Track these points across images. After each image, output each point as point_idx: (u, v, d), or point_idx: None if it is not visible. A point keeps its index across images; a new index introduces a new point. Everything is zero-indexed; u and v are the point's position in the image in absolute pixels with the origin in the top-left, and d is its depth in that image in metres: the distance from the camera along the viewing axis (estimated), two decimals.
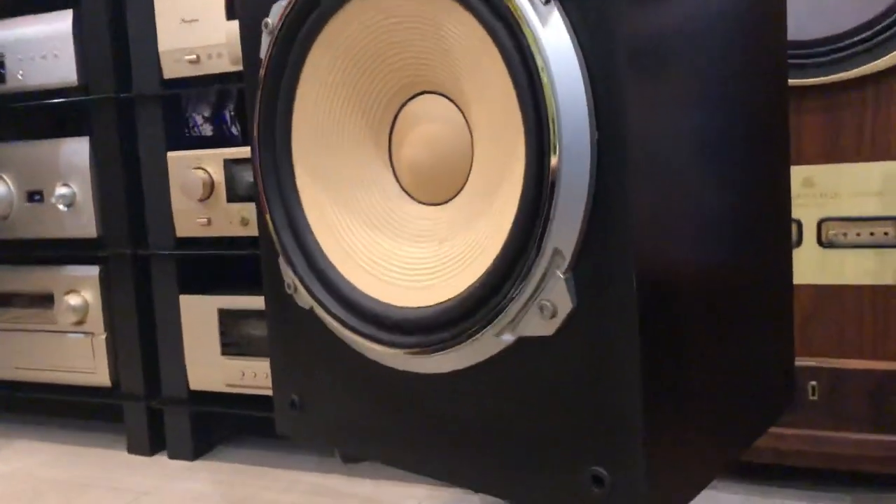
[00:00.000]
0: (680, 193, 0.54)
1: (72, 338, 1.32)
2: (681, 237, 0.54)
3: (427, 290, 0.56)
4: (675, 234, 0.53)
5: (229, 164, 1.19)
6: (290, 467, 1.21)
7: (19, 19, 1.32)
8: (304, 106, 0.65)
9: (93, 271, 1.30)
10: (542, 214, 0.48)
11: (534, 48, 0.47)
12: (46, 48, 1.29)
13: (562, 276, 0.48)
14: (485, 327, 0.52)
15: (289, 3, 0.62)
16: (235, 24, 1.16)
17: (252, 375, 1.19)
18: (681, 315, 0.54)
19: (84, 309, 1.31)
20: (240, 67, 1.16)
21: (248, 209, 1.18)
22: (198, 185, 1.19)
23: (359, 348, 0.63)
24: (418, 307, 0.56)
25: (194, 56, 1.19)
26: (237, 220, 1.18)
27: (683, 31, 0.55)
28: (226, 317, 1.20)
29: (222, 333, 1.21)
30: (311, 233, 0.65)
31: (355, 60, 0.62)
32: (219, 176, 1.19)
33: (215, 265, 1.29)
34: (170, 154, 1.23)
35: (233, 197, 1.19)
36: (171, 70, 1.22)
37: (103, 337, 1.30)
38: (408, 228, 0.61)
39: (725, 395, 0.62)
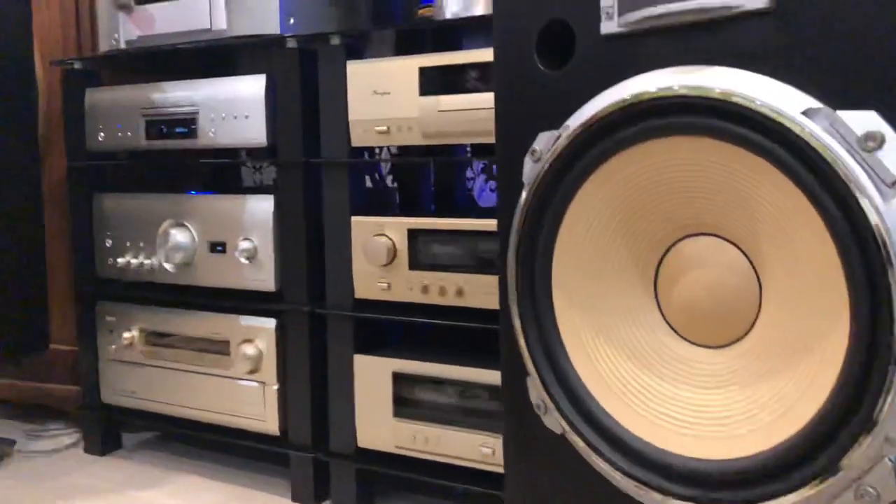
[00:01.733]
0: None
1: (245, 385, 1.39)
2: None
3: (716, 440, 0.57)
4: None
5: (413, 233, 1.22)
6: None
7: (215, 80, 1.40)
8: (569, 232, 0.66)
9: (269, 323, 1.36)
10: (871, 390, 0.48)
11: (882, 235, 0.47)
12: (238, 109, 1.37)
13: (891, 462, 0.48)
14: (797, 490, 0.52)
15: (568, 138, 0.64)
16: (428, 99, 1.20)
17: (424, 440, 1.22)
18: None
19: (258, 358, 1.37)
20: (430, 141, 1.20)
21: (429, 278, 1.21)
22: (381, 252, 1.23)
23: (615, 483, 0.64)
24: (713, 459, 0.56)
25: (384, 127, 1.24)
26: (418, 287, 1.22)
27: None
28: (400, 380, 1.24)
29: (396, 396, 1.24)
30: (567, 357, 0.66)
31: (628, 197, 0.63)
32: (401, 244, 1.23)
33: (391, 328, 1.33)
34: (354, 218, 1.27)
35: (414, 265, 1.22)
36: (359, 138, 1.27)
37: (275, 387, 1.36)
38: (678, 368, 0.62)
39: None
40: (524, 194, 0.69)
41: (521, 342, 0.69)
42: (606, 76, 0.64)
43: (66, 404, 1.71)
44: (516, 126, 0.71)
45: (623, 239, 0.64)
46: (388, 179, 1.62)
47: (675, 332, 0.63)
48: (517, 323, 0.70)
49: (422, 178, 1.59)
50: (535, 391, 0.69)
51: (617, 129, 0.61)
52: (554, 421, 0.68)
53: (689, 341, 0.62)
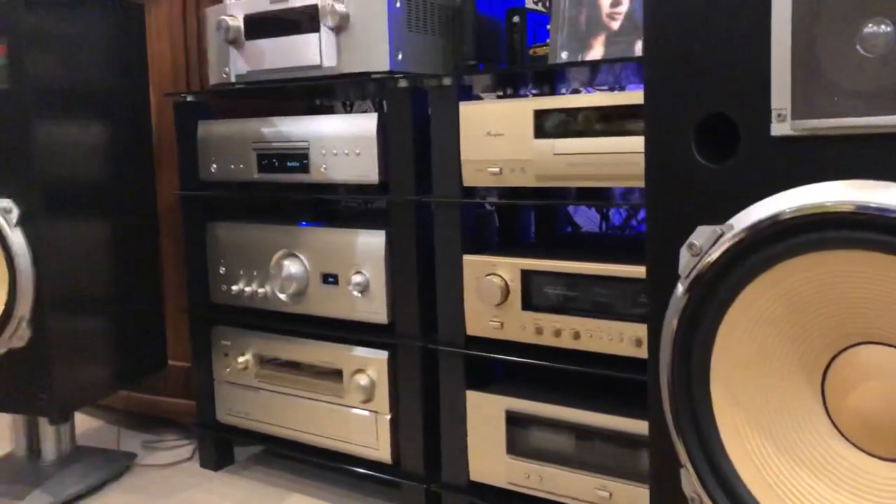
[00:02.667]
0: None
1: (357, 413, 1.43)
2: None
3: None
4: None
5: (526, 273, 1.23)
6: None
7: (326, 116, 1.43)
8: (730, 329, 0.66)
9: (381, 355, 1.40)
10: None
11: None
12: (350, 146, 1.40)
13: None
14: None
15: (736, 237, 0.64)
16: (543, 142, 1.20)
17: (538, 479, 1.24)
18: None
19: (371, 389, 1.41)
20: (543, 184, 1.21)
21: (544, 319, 1.22)
22: (494, 292, 1.25)
23: None
24: None
25: (497, 168, 1.25)
26: (531, 328, 1.23)
27: None
28: (514, 418, 1.26)
29: (509, 433, 1.26)
30: (725, 452, 0.67)
31: (795, 301, 0.63)
32: (514, 284, 1.24)
33: (504, 365, 1.35)
34: (465, 257, 1.29)
35: (527, 306, 1.23)
36: (471, 178, 1.28)
37: (388, 417, 1.40)
38: (847, 476, 0.62)
39: None
40: (680, 287, 0.69)
41: (674, 433, 0.70)
42: (775, 178, 0.64)
43: (181, 417, 1.80)
44: (668, 215, 0.71)
45: (788, 341, 0.64)
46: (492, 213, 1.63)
47: (846, 438, 0.63)
48: (670, 412, 0.70)
49: (523, 212, 1.60)
50: (689, 483, 0.69)
51: (791, 236, 0.61)
52: None
53: (862, 450, 0.62)
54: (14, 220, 1.36)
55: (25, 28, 1.34)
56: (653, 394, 0.73)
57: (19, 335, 1.38)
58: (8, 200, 1.37)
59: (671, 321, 0.70)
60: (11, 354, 1.40)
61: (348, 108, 1.96)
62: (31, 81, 1.35)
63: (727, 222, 0.66)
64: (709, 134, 0.69)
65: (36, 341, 1.39)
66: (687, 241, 0.69)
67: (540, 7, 1.73)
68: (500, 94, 1.55)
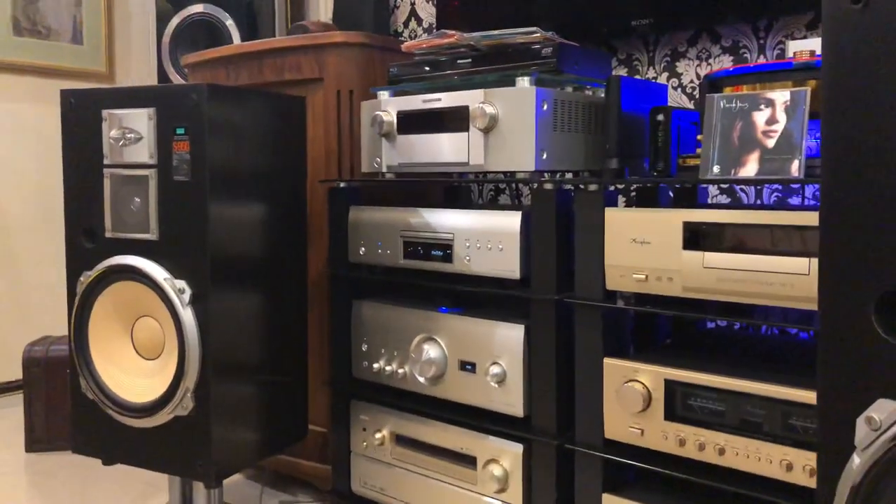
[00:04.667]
0: None
1: (490, 502, 1.46)
2: None
3: None
4: None
5: (670, 383, 1.23)
6: None
7: (472, 211, 1.49)
8: None
9: (516, 448, 1.42)
10: None
11: None
12: (494, 240, 1.44)
13: None
14: None
15: None
16: (692, 254, 1.20)
17: None
18: None
19: (505, 479, 1.43)
20: (690, 295, 1.20)
21: (687, 431, 1.20)
22: (637, 400, 1.25)
23: None
24: None
25: (643, 276, 1.25)
26: (674, 439, 1.22)
27: None
28: None
29: None
30: None
31: None
32: (657, 392, 1.24)
33: (641, 471, 1.34)
34: (606, 360, 1.30)
35: (670, 416, 1.23)
36: (614, 282, 1.29)
37: None
38: None
39: None
40: (857, 459, 0.68)
41: None
42: None
43: (316, 481, 1.88)
44: (846, 385, 0.70)
45: None
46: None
47: None
48: None
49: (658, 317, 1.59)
50: None
51: None
52: None
53: None
54: (187, 300, 1.50)
55: (207, 126, 1.48)
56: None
57: (184, 405, 1.51)
58: (182, 282, 1.50)
59: (843, 492, 0.69)
60: (175, 421, 1.53)
61: (483, 194, 2.02)
62: (208, 173, 1.49)
63: None
64: (893, 306, 0.68)
65: (198, 411, 1.51)
66: (864, 415, 0.68)
67: (685, 103, 1.73)
68: (636, 188, 1.56)
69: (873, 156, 0.69)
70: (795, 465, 1.09)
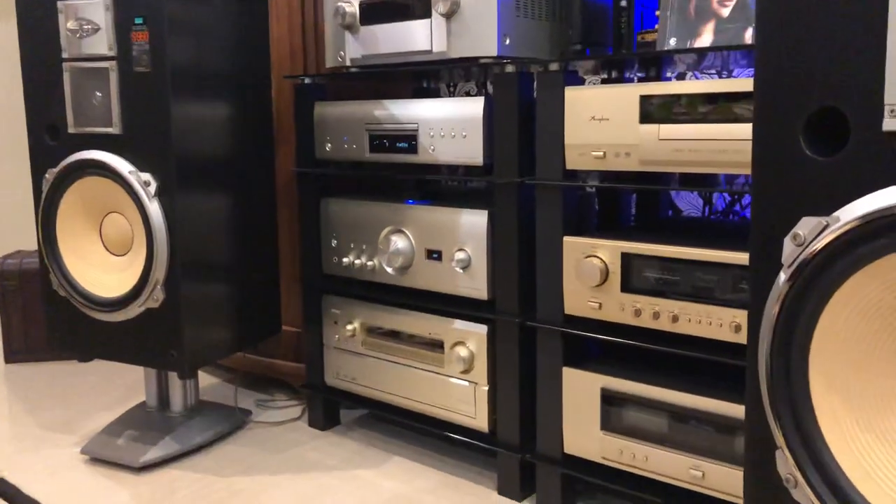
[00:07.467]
0: None
1: (456, 383, 1.51)
2: None
3: None
4: None
5: (627, 256, 1.26)
6: None
7: (435, 100, 1.49)
8: (831, 319, 0.68)
9: (481, 329, 1.46)
10: None
11: None
12: (457, 128, 1.45)
13: None
14: None
15: (841, 229, 0.66)
16: (648, 127, 1.22)
17: (631, 456, 1.28)
18: None
19: (470, 360, 1.48)
20: (646, 168, 1.23)
21: (642, 301, 1.24)
22: (594, 274, 1.28)
23: None
24: None
25: (601, 153, 1.27)
26: (630, 309, 1.26)
27: None
28: (608, 396, 1.30)
29: (603, 410, 1.31)
30: (824, 441, 0.69)
31: None
32: (614, 266, 1.28)
33: (600, 344, 1.38)
34: (566, 239, 1.33)
35: (627, 288, 1.26)
36: (574, 162, 1.31)
37: (485, 388, 1.46)
38: None
39: None
40: (783, 275, 0.71)
41: (771, 417, 0.73)
42: (882, 172, 0.65)
43: (292, 379, 1.93)
44: (774, 206, 0.73)
45: (890, 333, 0.65)
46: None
47: None
48: (767, 397, 0.73)
49: (624, 195, 1.62)
50: (785, 465, 0.72)
51: None
52: (803, 495, 0.71)
53: None
54: (153, 192, 1.50)
55: (166, 16, 1.46)
56: (751, 378, 0.76)
57: (155, 297, 1.53)
58: (147, 174, 1.51)
59: (772, 308, 0.72)
60: (147, 314, 1.55)
61: (452, 90, 2.01)
62: (169, 65, 1.47)
63: (833, 214, 0.68)
64: (818, 127, 0.70)
65: (169, 303, 1.53)
66: (791, 232, 0.71)
67: None
68: (605, 77, 1.57)
69: None
70: (744, 326, 1.13)
